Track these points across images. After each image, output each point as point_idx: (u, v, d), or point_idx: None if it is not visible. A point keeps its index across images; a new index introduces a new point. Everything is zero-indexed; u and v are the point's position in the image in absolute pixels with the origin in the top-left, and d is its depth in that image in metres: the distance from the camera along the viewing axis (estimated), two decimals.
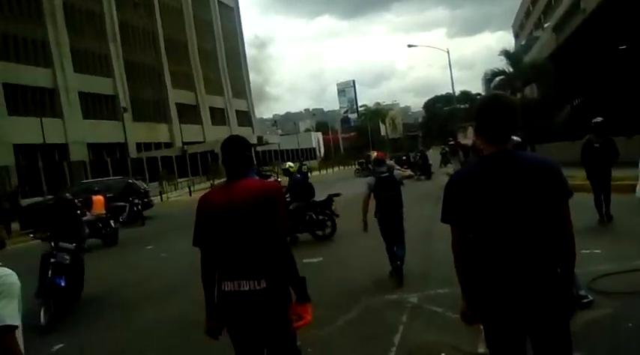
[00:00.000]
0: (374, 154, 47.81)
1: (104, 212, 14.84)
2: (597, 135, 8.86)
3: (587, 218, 8.76)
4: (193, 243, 2.88)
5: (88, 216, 15.17)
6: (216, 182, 29.76)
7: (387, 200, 7.01)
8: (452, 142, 32.83)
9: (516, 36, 64.82)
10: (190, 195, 33.65)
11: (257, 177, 3.01)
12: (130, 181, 22.04)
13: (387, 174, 7.15)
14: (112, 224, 14.78)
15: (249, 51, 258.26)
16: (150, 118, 54.51)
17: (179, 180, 42.15)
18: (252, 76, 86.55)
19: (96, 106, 47.24)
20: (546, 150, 21.98)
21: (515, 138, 8.57)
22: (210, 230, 2.82)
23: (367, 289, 6.73)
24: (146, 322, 6.55)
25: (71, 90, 43.68)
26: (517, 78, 25.15)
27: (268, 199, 2.72)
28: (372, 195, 7.06)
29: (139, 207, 19.84)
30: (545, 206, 2.21)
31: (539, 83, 25.16)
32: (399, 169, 8.16)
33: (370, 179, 7.25)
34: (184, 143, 52.71)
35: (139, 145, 50.64)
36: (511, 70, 24.66)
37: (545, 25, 36.48)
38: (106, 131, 46.33)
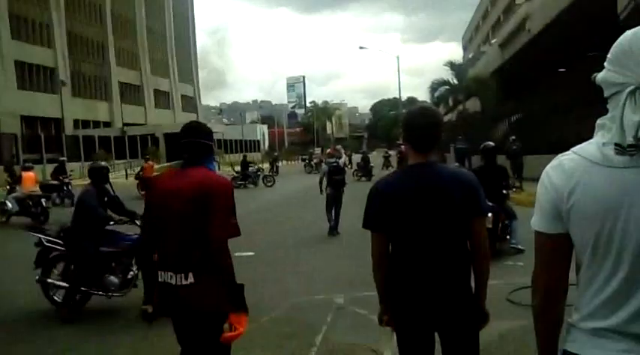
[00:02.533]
0: (317, 151, 48.04)
1: (36, 189, 14.17)
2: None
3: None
4: (140, 227, 2.79)
5: (17, 193, 14.55)
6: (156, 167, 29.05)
7: (335, 181, 10.72)
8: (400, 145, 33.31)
9: (465, 48, 66.73)
10: (126, 178, 32.74)
11: (212, 168, 2.86)
12: (62, 159, 21.17)
13: (335, 163, 11.01)
14: (44, 203, 14.12)
15: (202, 35, 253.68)
16: (90, 95, 52.56)
17: (116, 161, 40.84)
18: (202, 62, 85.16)
19: (32, 77, 45.07)
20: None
21: (489, 143, 8.72)
22: (153, 215, 2.76)
23: (296, 288, 6.73)
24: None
25: (6, 57, 41.48)
26: (460, 90, 25.89)
27: (209, 194, 2.59)
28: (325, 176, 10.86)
29: (70, 186, 19.09)
30: (459, 219, 2.28)
31: (481, 96, 25.97)
32: (340, 159, 12.09)
33: (324, 167, 11.25)
34: (125, 124, 51.05)
35: (76, 122, 48.73)
36: (455, 81, 25.33)
37: (493, 41, 37.68)
38: (42, 104, 44.26)
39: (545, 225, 1.38)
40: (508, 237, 8.09)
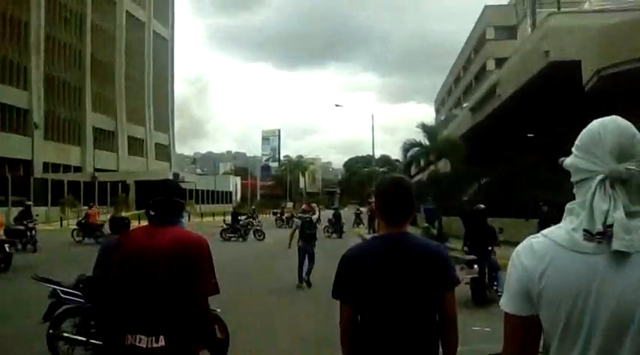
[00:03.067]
0: (289, 205, 47.80)
1: (0, 234, 13.80)
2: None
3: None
4: (102, 286, 2.69)
5: None
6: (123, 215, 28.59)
7: (307, 235, 11.49)
8: (372, 203, 33.50)
9: (437, 111, 68.58)
10: None
11: (183, 224, 2.87)
12: (29, 203, 20.68)
13: (308, 218, 11.97)
14: (7, 248, 13.72)
15: (180, 86, 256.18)
16: (62, 139, 52.08)
17: (84, 207, 40.02)
18: (178, 111, 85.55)
19: (5, 118, 44.57)
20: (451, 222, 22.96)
21: (481, 205, 9.76)
22: (122, 274, 2.65)
23: (261, 348, 6.53)
24: None
25: None
26: (432, 151, 26.40)
27: (190, 254, 2.58)
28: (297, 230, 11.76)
29: (33, 231, 18.56)
30: (428, 292, 2.29)
31: (451, 158, 26.52)
32: (314, 216, 12.99)
33: (297, 221, 12.35)
34: (96, 169, 50.43)
35: (46, 165, 48.03)
36: (427, 142, 25.89)
37: (464, 105, 38.90)
38: (12, 145, 43.64)
39: (516, 307, 1.38)
40: (496, 285, 9.16)
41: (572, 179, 1.38)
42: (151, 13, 71.66)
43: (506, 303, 1.40)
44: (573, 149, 1.39)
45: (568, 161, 1.39)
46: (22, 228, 17.71)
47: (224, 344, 5.67)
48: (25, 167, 43.69)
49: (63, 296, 5.70)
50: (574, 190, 1.37)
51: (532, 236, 1.41)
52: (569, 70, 15.27)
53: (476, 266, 9.06)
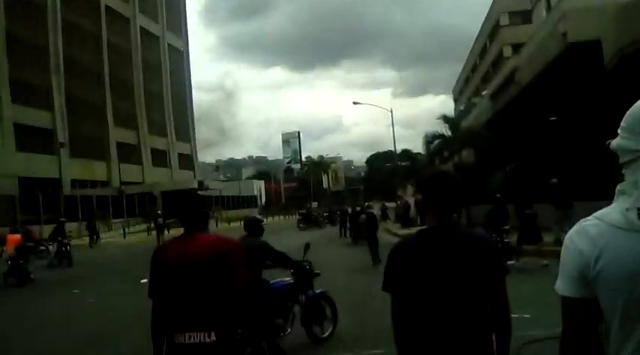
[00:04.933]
0: (314, 205, 47.70)
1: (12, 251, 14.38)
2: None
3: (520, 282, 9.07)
4: (149, 295, 2.93)
5: (3, 255, 14.91)
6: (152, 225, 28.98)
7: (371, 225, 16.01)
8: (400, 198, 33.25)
9: (456, 101, 67.99)
10: (124, 237, 32.59)
11: (211, 233, 3.12)
12: (62, 220, 21.16)
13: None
14: (21, 264, 14.35)
15: (200, 95, 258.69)
16: (88, 155, 52.96)
17: (114, 221, 40.75)
18: (198, 120, 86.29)
19: (32, 139, 45.52)
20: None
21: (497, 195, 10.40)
22: (164, 281, 2.90)
23: (307, 347, 6.59)
24: None
25: (6, 120, 42.07)
26: (454, 141, 26.25)
27: (224, 255, 2.84)
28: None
29: (68, 247, 19.02)
30: (480, 284, 2.29)
31: (475, 147, 26.34)
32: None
33: (363, 216, 17.37)
34: (122, 183, 51.25)
35: (73, 182, 48.90)
36: (449, 133, 25.76)
37: (483, 93, 38.51)
38: (40, 165, 44.56)
39: (572, 290, 1.38)
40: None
41: (620, 160, 1.38)
42: (164, 26, 72.43)
43: (562, 287, 1.41)
44: (619, 130, 1.39)
45: (614, 143, 1.39)
46: (32, 244, 17.58)
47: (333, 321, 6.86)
48: (53, 185, 44.58)
49: None
50: (623, 171, 1.38)
51: (583, 219, 1.41)
52: (588, 50, 15.03)
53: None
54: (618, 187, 1.38)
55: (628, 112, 1.38)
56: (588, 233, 1.36)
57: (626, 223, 1.30)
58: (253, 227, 5.98)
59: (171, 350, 2.82)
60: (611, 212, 1.36)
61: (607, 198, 1.44)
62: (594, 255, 1.33)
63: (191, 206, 3.03)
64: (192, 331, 2.76)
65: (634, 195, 1.31)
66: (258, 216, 6.80)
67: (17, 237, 15.03)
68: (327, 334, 6.76)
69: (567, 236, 1.43)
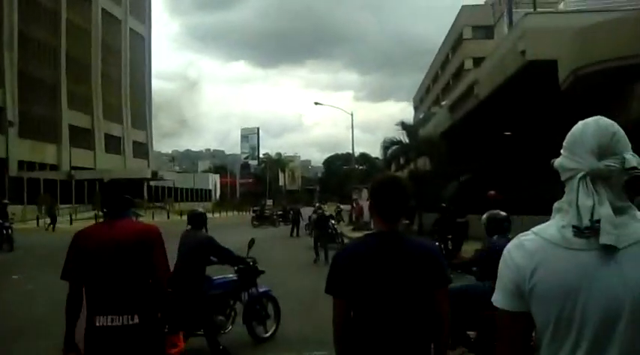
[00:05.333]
0: (269, 203, 47.62)
1: None
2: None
3: None
4: (62, 277, 2.93)
5: None
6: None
7: (321, 225, 16.59)
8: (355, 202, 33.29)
9: (416, 109, 68.94)
10: (71, 223, 31.70)
11: (134, 219, 3.28)
12: (5, 202, 20.36)
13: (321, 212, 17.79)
14: None
15: (159, 84, 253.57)
16: (38, 136, 51.22)
17: (61, 206, 39.51)
18: (156, 108, 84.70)
19: None
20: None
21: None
22: (85, 265, 2.91)
23: (248, 346, 6.52)
24: None
25: None
26: (412, 149, 26.60)
27: (147, 240, 2.95)
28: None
29: (9, 230, 18.29)
30: (421, 290, 2.32)
31: (431, 156, 26.74)
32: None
33: (314, 216, 18.06)
34: (72, 167, 49.75)
35: (21, 164, 47.21)
36: (407, 140, 26.09)
37: (442, 103, 39.20)
38: None
39: (508, 303, 1.42)
40: None
41: (561, 178, 1.43)
42: (127, 9, 70.81)
43: (498, 299, 1.44)
44: (562, 150, 1.45)
45: (557, 162, 1.44)
46: None
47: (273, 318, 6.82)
48: None
49: None
50: (565, 189, 1.43)
51: (522, 234, 1.45)
52: (545, 69, 15.48)
53: None
54: (556, 205, 1.43)
55: (569, 133, 1.44)
56: (525, 247, 1.40)
57: (562, 240, 1.35)
58: (197, 220, 6.04)
59: (91, 332, 2.85)
60: (549, 228, 1.40)
61: (549, 214, 1.47)
62: (530, 269, 1.37)
63: (112, 192, 3.10)
64: (115, 314, 2.82)
65: (570, 213, 1.36)
66: (201, 210, 6.67)
67: None
68: (269, 333, 6.72)
69: (505, 250, 1.46)
